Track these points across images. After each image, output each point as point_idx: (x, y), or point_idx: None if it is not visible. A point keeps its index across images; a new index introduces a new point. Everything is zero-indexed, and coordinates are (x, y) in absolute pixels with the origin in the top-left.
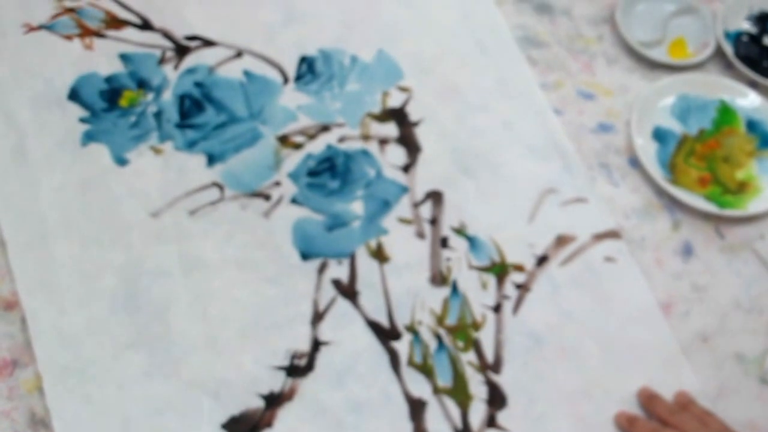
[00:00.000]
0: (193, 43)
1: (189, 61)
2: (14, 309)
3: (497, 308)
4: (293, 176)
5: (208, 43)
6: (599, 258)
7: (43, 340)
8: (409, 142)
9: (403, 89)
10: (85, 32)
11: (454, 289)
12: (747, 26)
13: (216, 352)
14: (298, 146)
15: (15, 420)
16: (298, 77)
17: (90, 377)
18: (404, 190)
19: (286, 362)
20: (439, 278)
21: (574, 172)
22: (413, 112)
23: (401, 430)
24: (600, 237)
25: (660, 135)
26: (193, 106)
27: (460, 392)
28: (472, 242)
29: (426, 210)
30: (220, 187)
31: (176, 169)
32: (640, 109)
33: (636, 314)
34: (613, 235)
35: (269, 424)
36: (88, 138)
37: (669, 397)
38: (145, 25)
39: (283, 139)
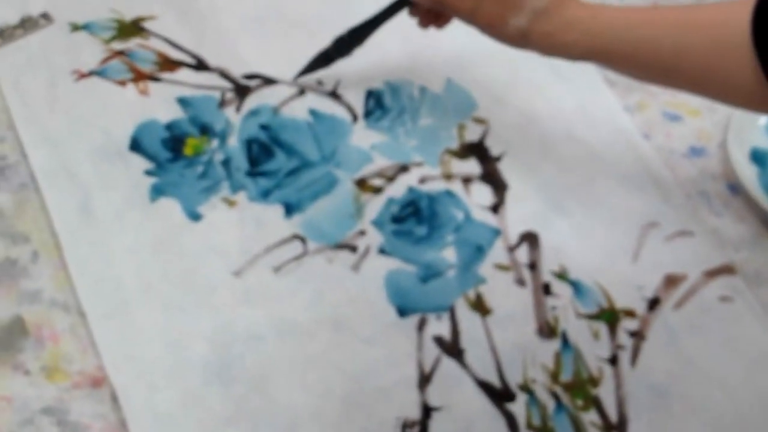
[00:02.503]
0: (252, 82)
1: (251, 101)
2: (102, 385)
3: (613, 360)
4: (377, 224)
5: (268, 81)
6: (714, 297)
7: (138, 421)
8: (494, 179)
9: (479, 121)
10: (138, 76)
11: (565, 341)
12: None
13: (322, 425)
14: (377, 190)
15: None
16: (368, 113)
17: None
18: (497, 233)
19: None
20: (546, 330)
21: (674, 203)
22: (493, 146)
23: None
24: (712, 274)
25: (759, 157)
26: (262, 151)
27: None
28: (577, 287)
29: (522, 253)
30: (302, 239)
31: (253, 221)
32: (736, 130)
33: (763, 358)
34: (726, 270)
35: None
36: (157, 192)
37: None
38: (200, 65)
39: (361, 183)
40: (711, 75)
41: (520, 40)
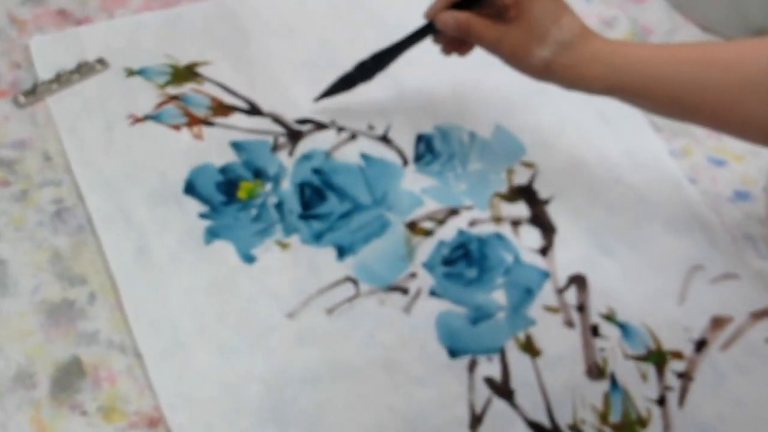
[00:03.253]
0: (304, 127)
1: (303, 146)
2: (159, 426)
3: (661, 401)
4: (428, 266)
5: (320, 126)
6: (760, 339)
7: None
8: (542, 222)
9: (528, 165)
10: (193, 121)
11: (614, 382)
12: None
13: None
14: (428, 233)
15: None
16: (418, 157)
17: None
18: (545, 275)
19: None
20: (595, 371)
21: (720, 246)
22: (541, 190)
23: None
24: (758, 315)
25: None
26: (314, 194)
27: None
28: (625, 329)
29: (571, 296)
30: (354, 281)
31: (306, 264)
32: None
33: None
34: None
35: None
36: (212, 235)
37: None
38: (253, 110)
39: (412, 226)
40: (731, 112)
41: (543, 71)
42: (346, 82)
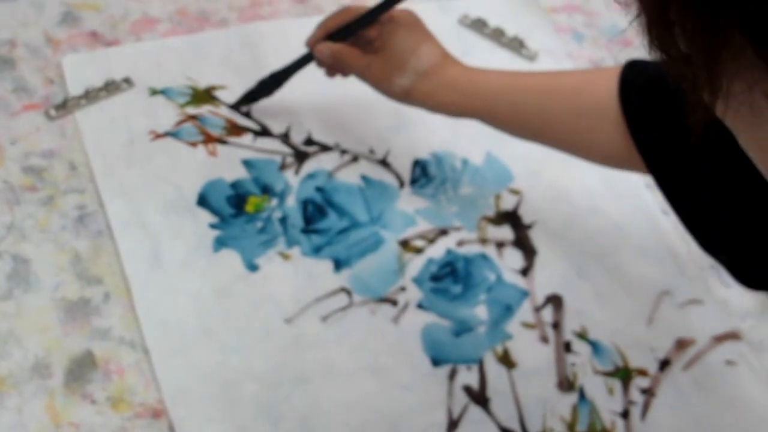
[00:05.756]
0: (310, 149)
1: (308, 166)
2: (161, 417)
3: (625, 414)
4: (417, 281)
5: (324, 148)
6: (720, 361)
7: None
8: (525, 245)
9: (514, 192)
10: (208, 139)
11: (582, 395)
12: None
13: None
14: (419, 250)
15: None
16: (414, 181)
17: None
18: (525, 294)
19: None
20: (566, 384)
21: (688, 274)
22: (526, 215)
23: None
24: (720, 339)
25: None
26: (316, 211)
27: None
28: (595, 347)
29: (547, 314)
30: (349, 292)
31: (305, 274)
32: None
33: (765, 419)
34: (732, 336)
35: None
36: (220, 244)
37: None
38: (264, 132)
39: (405, 244)
40: (574, 136)
41: (404, 98)
42: (250, 97)
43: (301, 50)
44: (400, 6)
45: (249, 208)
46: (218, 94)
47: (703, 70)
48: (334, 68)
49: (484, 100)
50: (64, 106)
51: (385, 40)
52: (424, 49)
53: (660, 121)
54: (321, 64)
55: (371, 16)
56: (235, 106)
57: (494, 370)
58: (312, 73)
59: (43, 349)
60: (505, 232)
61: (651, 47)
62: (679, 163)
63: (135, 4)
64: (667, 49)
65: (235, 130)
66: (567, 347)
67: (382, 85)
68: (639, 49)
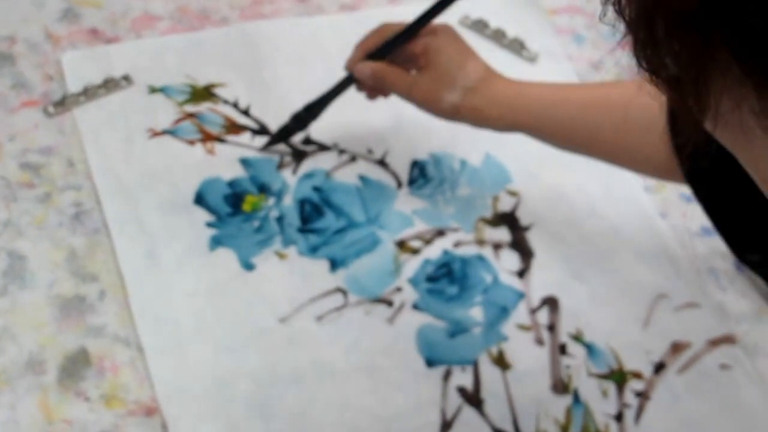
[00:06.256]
0: (309, 148)
1: (306, 165)
2: (154, 414)
3: (619, 417)
4: (413, 282)
5: (322, 147)
6: (715, 365)
7: None
8: (522, 246)
9: (512, 193)
10: (207, 137)
11: (576, 397)
12: None
13: None
14: (415, 251)
15: None
16: (411, 181)
17: None
18: (521, 296)
19: None
20: (560, 386)
21: (684, 277)
22: (523, 217)
23: None
24: (715, 343)
25: None
26: (313, 210)
27: None
28: (590, 349)
29: (543, 316)
30: (344, 292)
31: (301, 274)
32: None
33: (758, 423)
34: (728, 340)
35: None
36: (216, 243)
37: None
38: (263, 131)
39: (401, 244)
40: (622, 150)
41: (453, 114)
42: (285, 133)
43: (302, 50)
44: (437, 20)
45: (246, 207)
46: (218, 91)
47: (691, 89)
48: (375, 89)
49: (534, 115)
50: (63, 103)
51: (431, 56)
52: (471, 64)
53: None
54: (361, 86)
55: (412, 31)
56: (268, 146)
57: (489, 372)
58: (312, 73)
59: (38, 345)
60: (503, 234)
61: (639, 67)
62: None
63: (136, 1)
64: (656, 68)
65: (234, 128)
66: (562, 349)
67: (430, 102)
68: None
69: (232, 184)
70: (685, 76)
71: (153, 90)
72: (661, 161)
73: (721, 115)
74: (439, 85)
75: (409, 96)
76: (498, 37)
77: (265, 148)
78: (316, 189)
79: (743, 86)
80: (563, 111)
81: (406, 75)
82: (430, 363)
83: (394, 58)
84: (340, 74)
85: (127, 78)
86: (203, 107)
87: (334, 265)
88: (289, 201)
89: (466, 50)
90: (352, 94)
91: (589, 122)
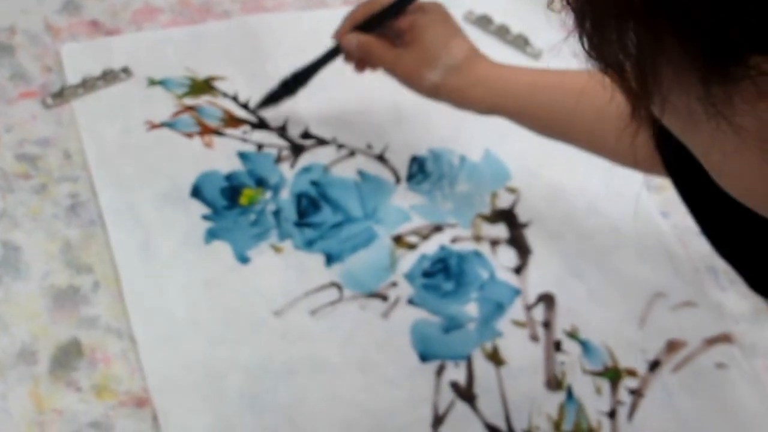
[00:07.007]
0: (307, 142)
1: (304, 159)
2: (145, 406)
3: (612, 414)
4: (409, 277)
5: (321, 142)
6: (711, 364)
7: None
8: (519, 243)
9: (511, 190)
10: (205, 130)
11: (570, 394)
12: None
13: None
14: (412, 246)
15: None
16: (410, 177)
17: None
18: (517, 292)
19: None
20: (554, 382)
21: (683, 276)
22: (522, 214)
23: None
24: (711, 341)
25: None
26: (310, 205)
27: None
28: (585, 346)
29: (539, 313)
30: (339, 287)
31: (296, 268)
32: None
33: (752, 423)
34: (724, 339)
35: None
36: (211, 236)
37: None
38: (261, 124)
39: (398, 239)
40: (600, 139)
41: (433, 93)
42: (273, 97)
43: (304, 43)
44: None
45: (243, 200)
46: (217, 84)
47: (638, 76)
48: (361, 62)
49: (514, 98)
50: (61, 95)
51: (416, 32)
52: (455, 43)
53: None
54: (348, 57)
55: (400, 6)
56: (256, 109)
57: (482, 367)
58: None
59: (30, 335)
60: (500, 230)
61: (588, 56)
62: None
63: None
64: (603, 57)
65: (233, 121)
66: (557, 346)
67: (412, 79)
68: None
69: (229, 177)
70: (632, 63)
71: (152, 82)
72: (640, 154)
73: (669, 102)
74: (421, 62)
75: (392, 70)
76: (502, 33)
77: (255, 110)
78: (314, 183)
79: (689, 73)
80: (545, 95)
81: (392, 49)
82: (424, 358)
83: (382, 32)
84: (342, 66)
85: (126, 70)
86: (202, 100)
87: (330, 259)
88: (286, 195)
89: (452, 29)
90: (351, 91)
91: (570, 108)
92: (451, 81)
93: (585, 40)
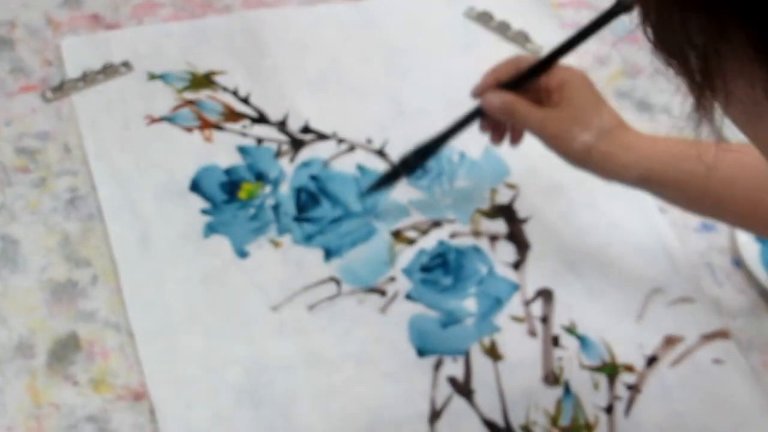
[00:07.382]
0: (307, 137)
1: (304, 154)
2: (142, 399)
3: (609, 409)
4: (407, 272)
5: (321, 136)
6: (708, 359)
7: None
8: (518, 239)
9: (511, 186)
10: (205, 124)
11: (567, 389)
12: None
13: None
14: (411, 241)
15: None
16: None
17: None
18: (515, 287)
19: None
20: (551, 377)
21: (681, 272)
22: (521, 209)
23: None
24: (708, 337)
25: None
26: (310, 199)
27: None
28: (583, 341)
29: (537, 308)
30: (337, 281)
31: (295, 262)
32: None
33: (748, 419)
34: (722, 335)
35: None
36: (210, 230)
37: None
38: (261, 119)
39: (397, 234)
40: (758, 210)
41: (584, 155)
42: (391, 177)
43: (304, 39)
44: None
45: (242, 194)
46: (217, 79)
47: (703, 67)
48: (501, 130)
49: (666, 165)
50: (61, 89)
51: (567, 92)
52: (606, 109)
53: None
54: (486, 125)
55: (550, 64)
56: (367, 193)
57: (480, 362)
58: (314, 62)
59: (28, 329)
60: (499, 226)
61: (654, 49)
62: None
63: None
64: (668, 47)
65: (233, 116)
66: (555, 341)
67: (561, 140)
68: (646, 47)
69: (228, 171)
70: (696, 55)
71: (152, 77)
72: None
73: (733, 94)
74: (574, 122)
75: (540, 131)
76: (502, 29)
77: (368, 193)
78: (313, 178)
79: (754, 64)
80: (697, 165)
81: (539, 109)
82: (422, 352)
83: (525, 91)
84: (344, 63)
85: (126, 64)
86: (202, 95)
87: (329, 254)
88: (285, 189)
89: (599, 93)
90: (351, 86)
91: (726, 177)
92: (603, 144)
93: (649, 31)
